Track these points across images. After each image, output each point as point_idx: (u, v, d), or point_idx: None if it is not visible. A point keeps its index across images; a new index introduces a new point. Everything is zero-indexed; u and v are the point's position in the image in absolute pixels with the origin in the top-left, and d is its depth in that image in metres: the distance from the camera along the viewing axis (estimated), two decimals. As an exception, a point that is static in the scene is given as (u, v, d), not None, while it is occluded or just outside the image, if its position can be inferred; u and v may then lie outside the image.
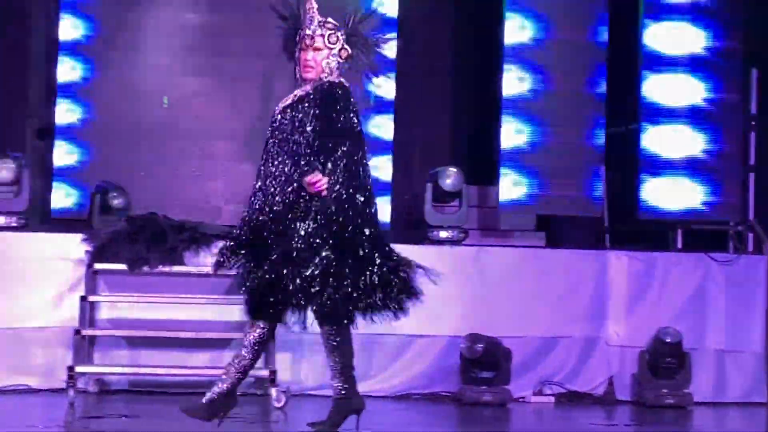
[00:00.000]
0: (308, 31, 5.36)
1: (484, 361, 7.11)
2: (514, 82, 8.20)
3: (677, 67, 8.24)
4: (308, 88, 5.33)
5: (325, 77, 5.33)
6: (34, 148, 8.88)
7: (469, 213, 8.12)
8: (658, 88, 8.22)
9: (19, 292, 7.22)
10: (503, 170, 8.20)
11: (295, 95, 5.34)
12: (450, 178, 7.92)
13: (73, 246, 6.93)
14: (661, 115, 8.23)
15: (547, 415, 7.11)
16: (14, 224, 7.54)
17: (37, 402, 6.87)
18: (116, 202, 7.79)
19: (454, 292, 7.22)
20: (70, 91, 8.61)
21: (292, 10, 5.46)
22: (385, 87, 8.42)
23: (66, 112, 8.60)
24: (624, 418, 7.02)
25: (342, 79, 5.36)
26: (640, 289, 7.65)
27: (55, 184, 8.65)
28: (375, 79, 5.55)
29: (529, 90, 8.22)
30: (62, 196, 8.57)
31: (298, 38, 5.42)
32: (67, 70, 8.62)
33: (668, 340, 7.29)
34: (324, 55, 5.33)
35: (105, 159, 8.39)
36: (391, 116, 8.68)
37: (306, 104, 5.28)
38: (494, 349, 7.13)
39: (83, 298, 7.10)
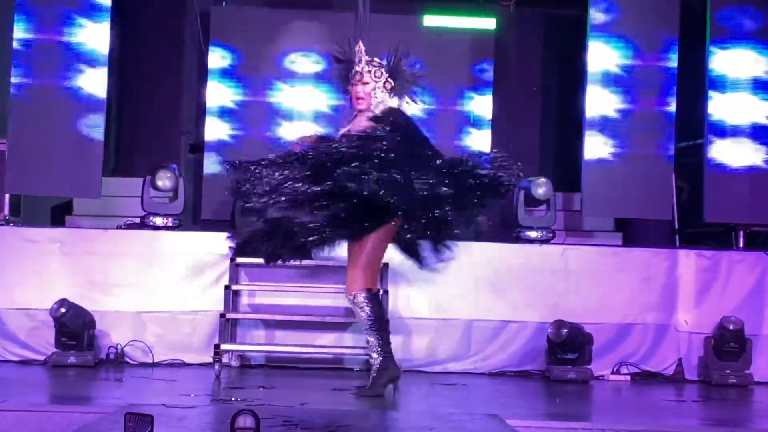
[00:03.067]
0: (357, 68, 5.83)
1: (568, 344, 7.29)
2: (596, 101, 8.44)
3: (740, 88, 8.50)
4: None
5: (374, 106, 5.81)
6: (188, 160, 9.40)
7: (556, 216, 8.30)
8: (722, 107, 8.50)
9: (175, 281, 7.59)
10: (586, 178, 8.42)
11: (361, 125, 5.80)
12: (542, 188, 8.20)
13: (219, 243, 6.98)
14: (725, 131, 8.48)
15: (624, 391, 7.20)
16: (171, 224, 7.92)
17: (189, 374, 7.15)
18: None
19: (542, 284, 7.72)
20: (216, 110, 9.21)
21: (345, 54, 5.93)
22: (484, 107, 9.17)
23: (214, 129, 9.08)
24: (692, 394, 7.06)
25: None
26: (706, 282, 7.80)
27: (204, 191, 9.12)
28: (414, 103, 5.97)
29: (608, 109, 8.42)
30: (210, 201, 8.90)
31: (350, 76, 5.89)
32: (215, 93, 9.22)
33: (731, 327, 7.44)
34: (371, 88, 5.82)
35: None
36: (489, 131, 9.21)
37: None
38: (577, 334, 7.32)
39: (227, 287, 7.44)
